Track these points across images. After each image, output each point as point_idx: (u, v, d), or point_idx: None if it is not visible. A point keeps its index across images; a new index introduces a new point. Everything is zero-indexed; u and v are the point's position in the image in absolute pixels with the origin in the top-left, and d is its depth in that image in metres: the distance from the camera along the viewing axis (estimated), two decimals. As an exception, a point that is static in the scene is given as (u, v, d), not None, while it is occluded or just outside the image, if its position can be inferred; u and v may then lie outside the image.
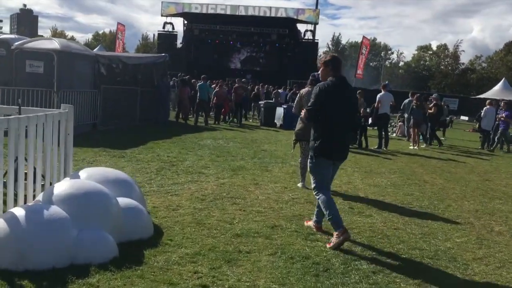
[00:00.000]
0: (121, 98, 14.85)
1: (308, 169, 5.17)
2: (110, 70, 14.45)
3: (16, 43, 12.10)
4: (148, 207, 5.65)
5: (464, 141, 19.88)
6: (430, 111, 16.03)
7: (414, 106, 15.07)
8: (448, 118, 24.36)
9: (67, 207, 3.94)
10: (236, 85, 21.01)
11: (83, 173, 4.76)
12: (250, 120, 22.63)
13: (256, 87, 25.33)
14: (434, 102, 16.61)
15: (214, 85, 23.99)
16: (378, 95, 14.20)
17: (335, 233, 4.72)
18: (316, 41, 45.56)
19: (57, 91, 11.63)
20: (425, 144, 15.18)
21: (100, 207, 4.08)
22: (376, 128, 14.90)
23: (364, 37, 44.81)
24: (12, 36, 14.15)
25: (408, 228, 5.68)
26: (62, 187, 4.15)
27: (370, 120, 14.68)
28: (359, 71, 44.51)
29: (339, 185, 8.05)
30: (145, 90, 16.54)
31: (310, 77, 7.75)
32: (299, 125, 7.61)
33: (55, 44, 12.20)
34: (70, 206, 3.95)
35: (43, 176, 4.98)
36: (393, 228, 5.61)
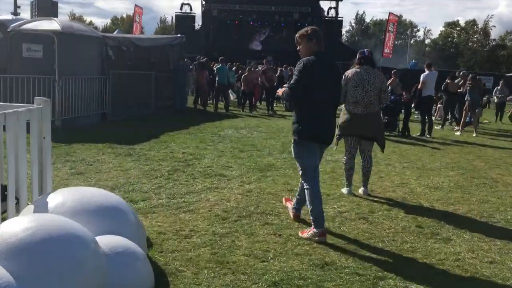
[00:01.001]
0: (133, 85, 13.44)
1: (293, 154, 4.66)
2: (120, 54, 13.02)
3: (13, 25, 10.74)
4: (152, 233, 4.22)
5: (507, 124, 17.96)
6: (459, 90, 14.35)
7: (469, 87, 13.25)
8: (485, 98, 22.28)
9: (13, 263, 2.51)
10: (264, 66, 19.20)
11: (54, 199, 3.33)
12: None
13: (280, 69, 23.62)
14: (462, 80, 14.84)
15: (234, 68, 22.54)
16: (422, 75, 12.44)
17: (313, 229, 4.37)
18: (339, 18, 43.32)
19: (59, 79, 10.26)
20: (475, 133, 13.35)
21: (66, 262, 2.63)
22: (417, 112, 13.18)
23: (390, 13, 42.47)
24: (10, 17, 12.81)
25: (508, 260, 4.12)
26: (11, 228, 2.72)
27: (413, 104, 12.95)
28: (387, 50, 42.30)
29: (393, 189, 6.50)
30: (160, 75, 15.13)
31: (358, 55, 6.15)
32: (344, 116, 6.06)
33: (55, 24, 10.80)
34: (17, 262, 2.52)
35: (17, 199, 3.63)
36: (487, 262, 4.05)
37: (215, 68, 17.62)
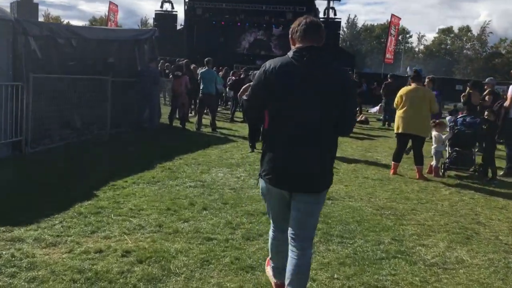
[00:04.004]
0: (75, 95, 9.09)
1: None
2: (55, 50, 8.67)
3: None
4: None
5: None
6: (482, 101, 10.69)
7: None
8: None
9: None
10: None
11: None
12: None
13: None
14: (489, 89, 11.06)
15: (220, 73, 18.34)
16: (511, 88, 8.33)
17: (272, 282, 3.32)
18: (338, 20, 39.38)
19: None
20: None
21: None
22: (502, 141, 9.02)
23: (393, 15, 38.57)
24: None
25: None
26: None
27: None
28: (388, 55, 38.38)
29: None
30: (120, 81, 10.75)
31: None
32: None
33: None
34: None
35: None
36: None
37: (198, 73, 13.30)
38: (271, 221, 3.26)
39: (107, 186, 5.93)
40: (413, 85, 8.08)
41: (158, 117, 12.52)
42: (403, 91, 8.09)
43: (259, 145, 9.36)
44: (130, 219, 4.73)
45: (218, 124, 13.17)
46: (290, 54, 2.93)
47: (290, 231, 3.00)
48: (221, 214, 5.09)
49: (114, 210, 4.97)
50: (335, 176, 3.52)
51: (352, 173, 7.93)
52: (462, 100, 11.91)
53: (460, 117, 8.64)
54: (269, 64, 2.94)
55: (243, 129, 12.89)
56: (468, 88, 11.98)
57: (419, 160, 7.99)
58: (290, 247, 3.00)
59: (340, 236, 4.64)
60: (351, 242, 4.50)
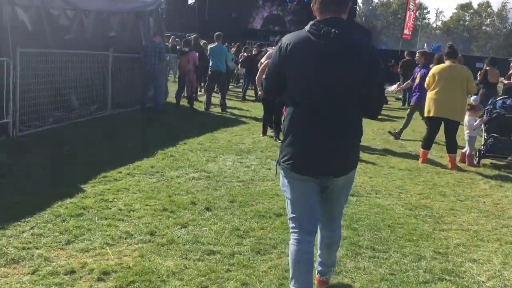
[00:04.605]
0: (71, 72, 8.28)
1: None
2: (46, 22, 7.81)
3: None
4: None
5: None
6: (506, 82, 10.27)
7: None
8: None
9: None
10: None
11: None
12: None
13: None
14: None
15: (233, 49, 17.41)
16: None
17: None
18: (355, -7, 37.76)
19: None
20: None
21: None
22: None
23: (412, -11, 37.05)
24: None
25: None
26: None
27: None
28: (407, 31, 36.86)
29: None
30: (122, 56, 9.91)
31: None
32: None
33: None
34: None
35: None
36: None
37: (208, 49, 12.39)
38: (291, 222, 2.80)
39: (97, 178, 5.14)
40: (447, 63, 7.10)
41: (164, 96, 11.72)
42: (436, 69, 7.13)
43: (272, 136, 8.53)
44: (117, 223, 3.93)
45: (229, 103, 12.30)
46: (307, 27, 2.62)
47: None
48: (227, 217, 4.27)
49: (99, 211, 4.17)
50: (358, 166, 2.91)
51: (376, 162, 7.05)
52: (478, 78, 10.96)
53: (499, 99, 7.67)
54: (284, 40, 2.66)
55: (256, 109, 12.03)
56: (485, 65, 11.01)
57: (452, 147, 7.09)
58: (319, 230, 2.88)
59: (371, 247, 3.80)
60: (385, 256, 3.66)
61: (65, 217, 3.96)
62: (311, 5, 2.72)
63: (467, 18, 79.63)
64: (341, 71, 2.55)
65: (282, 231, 3.99)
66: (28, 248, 3.36)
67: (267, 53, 8.62)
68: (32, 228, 3.71)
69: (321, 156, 2.60)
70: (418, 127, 11.21)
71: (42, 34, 7.71)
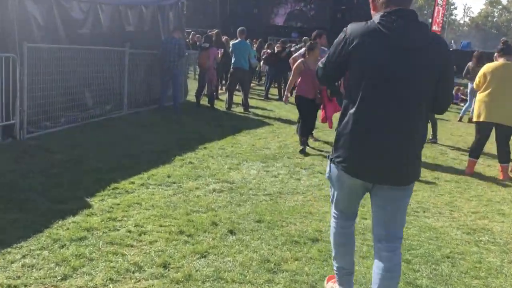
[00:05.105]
0: (86, 69, 7.73)
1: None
2: (58, 15, 7.26)
3: None
4: None
5: None
6: None
7: None
8: None
9: None
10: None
11: None
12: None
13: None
14: None
15: (255, 45, 16.79)
16: None
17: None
18: (380, -11, 36.61)
19: None
20: None
21: None
22: None
23: (440, -17, 35.88)
24: None
25: None
26: None
27: None
28: (436, 27, 35.80)
29: None
30: (140, 53, 9.35)
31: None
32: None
33: None
34: None
35: None
36: None
37: (231, 45, 11.75)
38: (333, 208, 2.82)
39: (106, 190, 4.54)
40: (501, 60, 6.31)
41: (183, 94, 11.13)
42: (487, 68, 6.33)
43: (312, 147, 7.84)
44: (125, 250, 3.31)
45: (251, 102, 11.65)
46: (376, 19, 2.43)
47: (375, 231, 2.63)
48: (254, 243, 3.61)
49: (105, 233, 3.56)
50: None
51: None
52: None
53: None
54: (350, 30, 2.47)
55: (280, 109, 11.36)
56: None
57: (504, 156, 6.31)
58: (376, 249, 2.64)
59: (431, 288, 3.10)
60: (451, 301, 2.96)
61: (65, 242, 3.36)
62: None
63: (496, 14, 77.43)
64: (418, 66, 2.37)
65: (320, 263, 3.32)
66: (15, 286, 2.76)
67: (299, 52, 7.93)
68: (24, 256, 3.12)
69: (383, 162, 2.41)
70: (456, 130, 10.42)
71: (53, 28, 7.17)
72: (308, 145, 7.25)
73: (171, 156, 6.06)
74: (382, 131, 2.41)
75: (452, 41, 51.66)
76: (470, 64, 11.68)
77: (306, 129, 7.27)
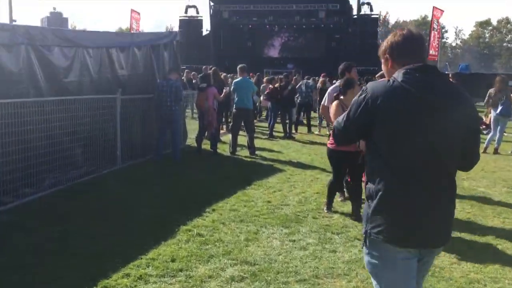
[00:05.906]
0: (71, 122, 6.73)
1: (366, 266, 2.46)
2: (35, 62, 6.31)
3: None
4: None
5: None
6: None
7: None
8: None
9: None
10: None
11: None
12: (316, 132, 14.16)
13: (305, 80, 16.42)
14: None
15: (252, 79, 15.88)
16: None
17: None
18: (375, 16, 36.38)
19: None
20: None
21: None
22: None
23: (435, 7, 35.53)
24: None
25: None
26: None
27: None
28: (432, 51, 35.38)
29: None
30: (133, 99, 8.39)
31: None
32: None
33: None
34: None
35: None
36: None
37: (230, 81, 10.82)
38: None
39: (93, 290, 3.47)
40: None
41: (182, 140, 10.14)
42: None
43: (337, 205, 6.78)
44: None
45: (255, 142, 10.59)
46: (398, 77, 2.24)
47: None
48: None
49: None
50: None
51: (461, 220, 5.27)
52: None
53: None
54: (371, 90, 2.28)
55: (288, 150, 10.41)
56: None
57: None
58: None
59: None
60: None
61: None
62: (383, 52, 2.40)
63: (487, 35, 77.93)
64: (449, 126, 2.25)
65: None
66: None
67: (334, 85, 6.66)
68: None
69: (426, 224, 2.24)
70: (485, 164, 9.37)
71: (31, 77, 6.21)
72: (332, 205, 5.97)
73: (175, 226, 5.00)
74: (419, 193, 2.23)
75: (447, 64, 51.40)
76: (491, 90, 10.81)
77: (340, 186, 6.10)
